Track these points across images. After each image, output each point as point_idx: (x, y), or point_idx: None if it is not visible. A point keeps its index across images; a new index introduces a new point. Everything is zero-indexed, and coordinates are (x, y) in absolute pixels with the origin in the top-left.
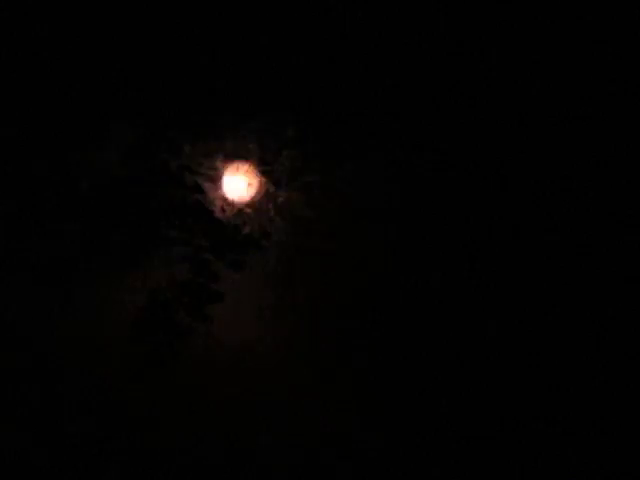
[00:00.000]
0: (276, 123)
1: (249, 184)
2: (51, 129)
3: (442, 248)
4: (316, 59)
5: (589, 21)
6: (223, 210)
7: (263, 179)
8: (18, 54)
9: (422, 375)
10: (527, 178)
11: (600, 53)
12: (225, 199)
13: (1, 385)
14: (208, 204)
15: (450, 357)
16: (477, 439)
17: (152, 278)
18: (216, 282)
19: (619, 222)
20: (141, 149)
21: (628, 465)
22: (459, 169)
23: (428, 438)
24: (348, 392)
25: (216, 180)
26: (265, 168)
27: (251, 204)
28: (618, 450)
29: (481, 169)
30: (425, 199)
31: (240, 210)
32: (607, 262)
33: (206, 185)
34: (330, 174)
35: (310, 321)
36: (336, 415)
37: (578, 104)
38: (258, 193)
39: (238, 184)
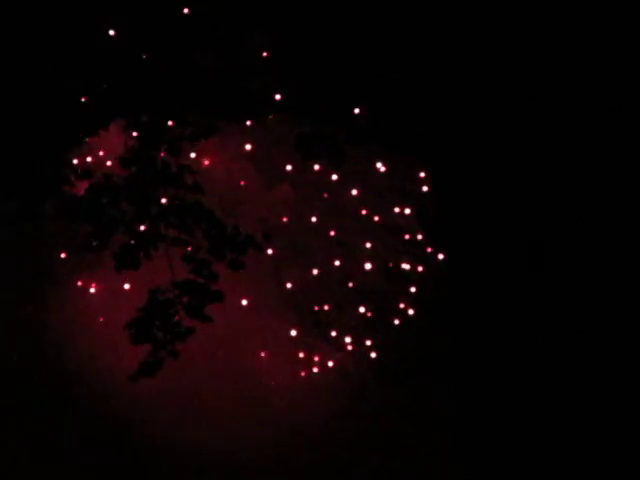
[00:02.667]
0: (276, 123)
1: (249, 184)
2: (51, 129)
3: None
4: (315, 61)
5: (589, 21)
6: (223, 210)
7: (263, 179)
8: (19, 56)
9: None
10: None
11: (600, 53)
12: (225, 199)
13: (1, 384)
14: (208, 204)
15: None
16: None
17: (151, 278)
18: (216, 282)
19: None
20: (141, 149)
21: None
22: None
23: None
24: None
25: (216, 180)
26: (265, 168)
27: (251, 204)
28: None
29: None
30: (422, 199)
31: (240, 210)
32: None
33: (206, 185)
34: (329, 175)
35: (310, 319)
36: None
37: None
38: (258, 193)
39: (238, 184)
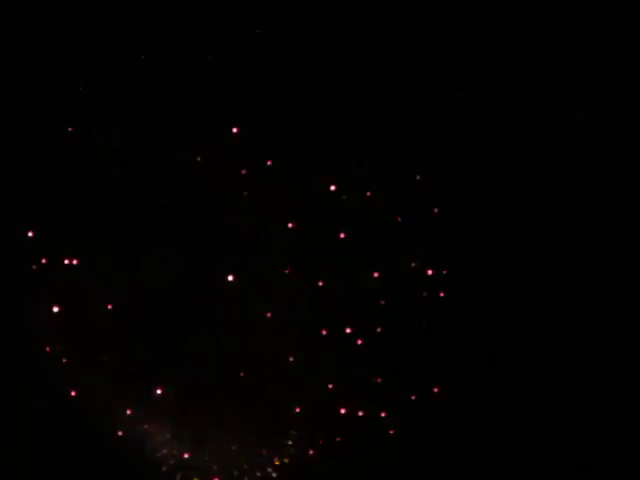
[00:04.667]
0: (276, 123)
1: (249, 184)
2: (50, 129)
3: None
4: (314, 61)
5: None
6: (223, 210)
7: (263, 179)
8: (17, 54)
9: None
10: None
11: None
12: (225, 199)
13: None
14: (208, 204)
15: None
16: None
17: (152, 278)
18: (216, 282)
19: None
20: (141, 149)
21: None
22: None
23: None
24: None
25: (216, 180)
26: (265, 168)
27: (251, 204)
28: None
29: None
30: (422, 199)
31: (240, 210)
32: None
33: (206, 185)
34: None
35: (310, 319)
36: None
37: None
38: (258, 193)
39: (238, 184)
